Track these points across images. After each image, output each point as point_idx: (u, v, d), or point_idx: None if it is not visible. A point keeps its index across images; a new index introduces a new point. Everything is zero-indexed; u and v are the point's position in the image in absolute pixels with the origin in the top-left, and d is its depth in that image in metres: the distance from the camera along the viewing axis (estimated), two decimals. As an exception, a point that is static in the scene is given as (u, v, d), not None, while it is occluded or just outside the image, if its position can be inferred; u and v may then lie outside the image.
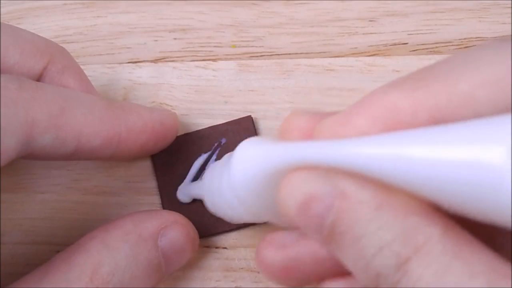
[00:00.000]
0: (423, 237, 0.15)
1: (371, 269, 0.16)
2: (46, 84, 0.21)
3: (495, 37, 0.27)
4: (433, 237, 0.15)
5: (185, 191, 0.25)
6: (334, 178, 0.17)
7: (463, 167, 0.14)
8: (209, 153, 0.26)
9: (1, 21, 0.24)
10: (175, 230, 0.23)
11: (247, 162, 0.19)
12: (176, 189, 0.26)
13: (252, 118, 0.26)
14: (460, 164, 0.14)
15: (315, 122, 0.19)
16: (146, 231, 0.22)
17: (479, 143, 0.14)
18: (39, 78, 0.22)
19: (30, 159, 0.21)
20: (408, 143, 0.15)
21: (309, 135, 0.19)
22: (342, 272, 0.19)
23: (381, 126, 0.17)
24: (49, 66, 0.22)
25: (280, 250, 0.20)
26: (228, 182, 0.21)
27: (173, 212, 0.24)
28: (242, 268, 0.25)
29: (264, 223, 0.25)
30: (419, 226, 0.15)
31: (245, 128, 0.26)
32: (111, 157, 0.23)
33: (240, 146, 0.20)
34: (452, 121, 0.16)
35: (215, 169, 0.22)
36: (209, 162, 0.26)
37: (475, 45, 0.27)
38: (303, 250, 0.20)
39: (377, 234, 0.16)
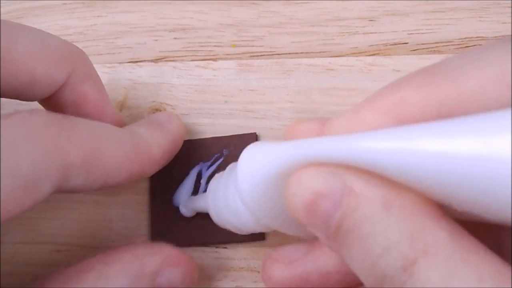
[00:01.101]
0: (431, 239, 0.15)
1: (377, 270, 0.16)
2: (80, 120, 0.21)
3: (496, 36, 0.27)
4: (441, 239, 0.15)
5: (188, 205, 0.25)
6: (343, 174, 0.17)
7: (471, 160, 0.14)
8: (208, 162, 0.26)
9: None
10: (176, 272, 0.22)
11: (253, 163, 0.19)
12: (168, 193, 0.25)
13: (256, 135, 0.26)
14: (468, 157, 0.14)
15: (322, 125, 0.19)
16: (146, 268, 0.22)
17: (486, 135, 0.14)
18: (61, 88, 0.22)
19: (55, 193, 0.21)
20: (416, 137, 0.15)
21: (317, 135, 0.19)
22: (349, 286, 0.19)
23: (390, 121, 0.17)
24: (72, 75, 0.22)
25: (287, 267, 0.20)
26: (234, 189, 0.20)
27: (176, 249, 0.23)
28: (242, 268, 0.25)
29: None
30: (427, 228, 0.15)
31: (248, 143, 0.26)
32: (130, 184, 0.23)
33: (246, 149, 0.19)
34: (460, 116, 0.16)
35: (220, 179, 0.22)
36: (207, 172, 0.26)
37: (475, 45, 0.27)
38: (310, 265, 0.20)
39: (384, 234, 0.15)
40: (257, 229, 0.21)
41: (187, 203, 0.25)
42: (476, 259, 0.15)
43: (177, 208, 0.25)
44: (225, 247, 0.25)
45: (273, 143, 0.19)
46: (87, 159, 0.20)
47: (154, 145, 0.23)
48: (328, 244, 0.17)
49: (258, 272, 0.25)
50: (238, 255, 0.25)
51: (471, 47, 0.27)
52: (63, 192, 0.21)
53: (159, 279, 0.22)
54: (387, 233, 0.15)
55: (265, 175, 0.18)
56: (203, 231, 0.25)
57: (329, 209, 0.16)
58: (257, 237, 0.25)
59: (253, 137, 0.26)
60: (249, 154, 0.19)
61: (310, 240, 0.21)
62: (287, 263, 0.20)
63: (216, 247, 0.25)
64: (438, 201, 0.16)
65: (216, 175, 0.23)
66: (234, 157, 0.25)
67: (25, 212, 0.19)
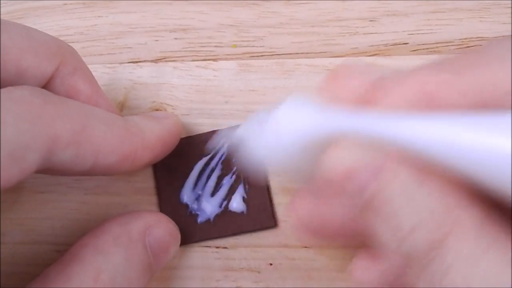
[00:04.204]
0: (461, 218, 0.15)
1: (405, 246, 0.16)
2: (68, 99, 0.21)
3: (496, 37, 0.27)
4: (470, 219, 0.15)
5: (224, 133, 0.26)
6: (380, 151, 0.17)
7: (505, 155, 0.14)
8: (209, 156, 0.26)
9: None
10: (160, 228, 0.23)
11: (291, 124, 0.19)
12: (175, 191, 0.26)
13: None
14: (502, 152, 0.14)
15: (361, 83, 0.19)
16: (134, 233, 0.23)
17: None
18: (50, 80, 0.22)
19: (46, 173, 0.21)
20: (454, 125, 0.15)
21: (354, 100, 0.19)
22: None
23: (424, 105, 0.17)
24: (61, 68, 0.22)
25: (313, 204, 0.20)
26: (268, 136, 0.20)
27: (154, 211, 0.25)
28: (242, 268, 0.25)
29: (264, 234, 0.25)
30: (457, 207, 0.15)
31: None
32: (125, 172, 0.23)
33: (286, 105, 0.19)
34: (494, 108, 0.16)
35: (255, 119, 0.22)
36: (210, 165, 0.26)
37: (476, 45, 0.27)
38: (334, 209, 0.20)
39: (414, 211, 0.16)
40: (281, 172, 0.22)
41: (224, 133, 0.26)
42: (506, 243, 0.15)
43: (186, 205, 0.25)
44: (225, 247, 0.25)
45: (312, 105, 0.19)
46: (75, 133, 0.20)
47: (146, 130, 0.23)
48: (359, 216, 0.18)
49: (258, 272, 0.25)
50: (238, 255, 0.25)
51: (472, 47, 0.27)
52: (53, 172, 0.21)
53: (148, 239, 0.23)
54: (417, 210, 0.16)
55: (301, 137, 0.19)
56: (213, 226, 0.25)
57: (364, 181, 0.17)
58: (268, 225, 0.25)
59: None
60: (288, 112, 0.19)
61: None
62: (313, 201, 0.20)
63: (217, 247, 0.25)
64: (468, 186, 0.16)
65: (253, 115, 0.23)
66: (235, 149, 0.26)
67: (13, 186, 0.19)
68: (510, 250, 0.14)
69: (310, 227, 0.21)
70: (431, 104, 0.17)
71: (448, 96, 0.17)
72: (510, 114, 0.15)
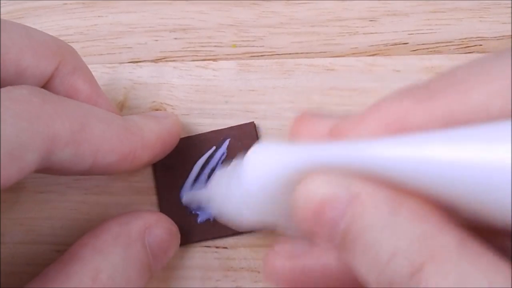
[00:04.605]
0: (439, 244, 0.15)
1: (385, 277, 0.15)
2: (68, 98, 0.21)
3: (496, 37, 0.27)
4: (448, 244, 0.15)
5: (190, 196, 0.25)
6: (349, 182, 0.16)
7: (474, 167, 0.14)
8: (210, 156, 0.26)
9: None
10: (159, 228, 0.23)
11: (260, 166, 0.19)
12: (175, 191, 0.26)
13: (255, 124, 0.26)
14: (471, 164, 0.14)
15: (328, 126, 0.19)
16: (133, 233, 0.23)
17: (487, 144, 0.14)
18: (49, 80, 0.22)
19: (46, 173, 0.21)
20: (423, 144, 0.15)
21: (321, 139, 0.19)
22: (351, 284, 0.19)
23: (394, 132, 0.17)
24: (60, 67, 0.22)
25: (289, 260, 0.20)
26: (237, 188, 0.20)
27: (154, 211, 0.25)
28: (242, 268, 0.25)
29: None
30: (434, 232, 0.15)
31: (247, 133, 0.26)
32: (124, 171, 0.23)
33: (252, 151, 0.19)
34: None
35: (222, 175, 0.22)
36: (209, 165, 0.26)
37: (476, 45, 0.27)
38: (312, 261, 0.20)
39: (390, 240, 0.15)
40: (256, 227, 0.21)
41: (189, 196, 0.25)
42: (485, 263, 0.14)
43: (186, 205, 0.26)
44: (225, 247, 0.25)
45: (279, 145, 0.19)
46: (74, 132, 0.20)
47: (146, 129, 0.23)
48: (335, 252, 0.17)
49: (258, 272, 0.25)
50: (238, 255, 0.25)
51: (472, 47, 0.27)
52: (53, 172, 0.21)
53: (148, 239, 0.23)
54: (394, 239, 0.15)
55: (271, 178, 0.18)
56: (213, 226, 0.25)
57: (335, 216, 0.16)
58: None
59: (251, 126, 0.26)
60: (255, 156, 0.19)
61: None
62: (289, 256, 0.20)
63: (217, 247, 0.25)
64: (445, 206, 0.16)
65: (219, 171, 0.23)
66: (235, 148, 0.26)
67: (12, 186, 0.19)
68: (491, 271, 0.14)
69: (290, 285, 0.20)
70: (399, 131, 0.16)
71: (415, 121, 0.16)
72: (477, 127, 0.15)
